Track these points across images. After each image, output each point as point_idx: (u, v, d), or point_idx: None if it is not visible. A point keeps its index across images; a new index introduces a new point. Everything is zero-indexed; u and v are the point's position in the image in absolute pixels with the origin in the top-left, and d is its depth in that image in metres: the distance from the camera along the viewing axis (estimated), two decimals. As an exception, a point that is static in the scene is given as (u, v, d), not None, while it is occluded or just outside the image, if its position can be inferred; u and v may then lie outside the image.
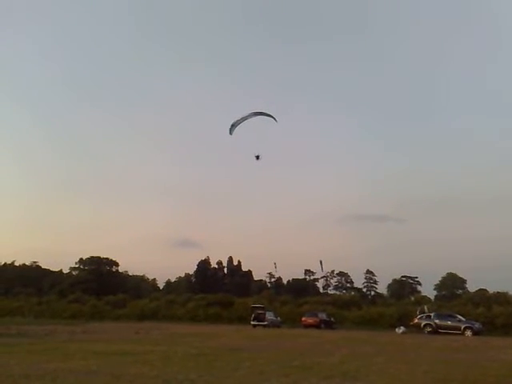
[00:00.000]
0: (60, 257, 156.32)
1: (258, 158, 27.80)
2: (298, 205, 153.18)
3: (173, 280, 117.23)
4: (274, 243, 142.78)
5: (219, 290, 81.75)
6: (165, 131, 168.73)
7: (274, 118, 27.71)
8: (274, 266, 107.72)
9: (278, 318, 53.27)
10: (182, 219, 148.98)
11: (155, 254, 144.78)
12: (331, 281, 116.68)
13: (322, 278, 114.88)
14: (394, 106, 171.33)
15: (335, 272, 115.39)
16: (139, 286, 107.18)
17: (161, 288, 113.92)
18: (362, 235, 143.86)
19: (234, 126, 27.49)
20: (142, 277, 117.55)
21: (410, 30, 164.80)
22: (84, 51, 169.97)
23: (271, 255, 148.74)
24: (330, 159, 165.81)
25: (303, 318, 51.02)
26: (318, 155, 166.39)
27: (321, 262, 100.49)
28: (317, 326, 48.31)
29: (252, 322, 50.07)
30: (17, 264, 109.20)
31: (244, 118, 27.33)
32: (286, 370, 14.71)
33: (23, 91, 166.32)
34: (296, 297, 74.33)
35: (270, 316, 51.39)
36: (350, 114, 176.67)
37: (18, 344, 23.10)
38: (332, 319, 52.74)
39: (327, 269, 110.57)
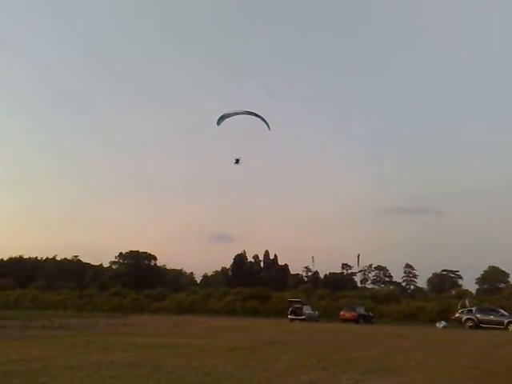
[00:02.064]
0: (100, 251, 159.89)
1: (237, 161, 26.00)
2: (335, 198, 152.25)
3: (210, 274, 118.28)
4: (311, 237, 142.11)
5: (255, 284, 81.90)
6: (198, 126, 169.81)
7: (268, 125, 25.94)
8: (311, 259, 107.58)
9: (316, 312, 53.06)
10: (219, 213, 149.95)
11: (192, 249, 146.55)
12: (369, 275, 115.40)
13: (359, 272, 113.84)
14: (433, 98, 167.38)
15: (373, 266, 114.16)
16: (177, 279, 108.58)
17: (198, 282, 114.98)
18: (400, 228, 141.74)
19: (223, 117, 25.92)
20: (180, 271, 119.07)
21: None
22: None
23: (308, 249, 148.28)
24: (368, 151, 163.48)
25: (341, 313, 50.63)
26: (355, 147, 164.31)
27: (358, 257, 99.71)
28: (355, 321, 47.89)
29: (289, 316, 50.02)
30: (58, 258, 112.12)
31: (236, 113, 25.80)
32: (324, 363, 14.62)
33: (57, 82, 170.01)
34: (333, 291, 73.85)
35: (307, 310, 51.24)
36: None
37: (61, 336, 23.72)
38: (370, 314, 52.18)
39: (365, 263, 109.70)
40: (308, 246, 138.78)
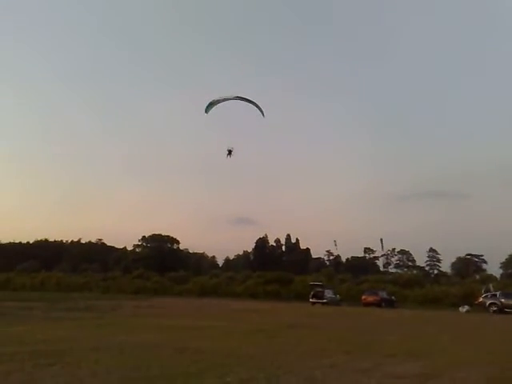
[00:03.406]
0: (123, 234, 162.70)
1: (230, 152, 24.01)
2: (358, 181, 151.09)
3: (231, 257, 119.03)
4: (333, 221, 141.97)
5: (277, 268, 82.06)
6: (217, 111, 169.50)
7: (262, 113, 24.18)
8: (334, 243, 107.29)
9: (338, 296, 53.01)
10: (241, 197, 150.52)
11: (214, 232, 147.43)
12: (392, 259, 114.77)
13: (382, 256, 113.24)
14: (458, 80, 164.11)
15: (396, 250, 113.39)
16: (199, 263, 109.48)
17: (220, 265, 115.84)
18: (424, 212, 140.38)
19: (212, 104, 24.14)
20: (202, 254, 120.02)
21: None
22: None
23: (330, 233, 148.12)
24: (390, 134, 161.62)
25: (363, 297, 50.49)
26: (378, 131, 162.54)
27: (381, 241, 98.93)
28: (377, 305, 47.71)
29: (311, 300, 50.05)
30: (83, 242, 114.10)
31: (225, 99, 24.05)
32: (346, 347, 14.56)
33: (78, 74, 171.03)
34: (355, 275, 73.68)
35: (329, 294, 51.19)
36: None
37: (87, 318, 24.08)
38: (393, 298, 51.93)
39: (388, 247, 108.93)
40: (330, 229, 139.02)
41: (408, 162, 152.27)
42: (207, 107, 24.10)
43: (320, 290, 51.39)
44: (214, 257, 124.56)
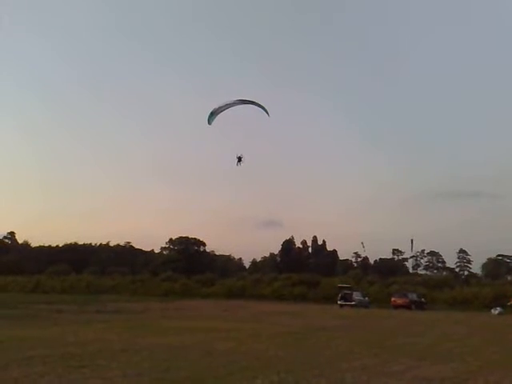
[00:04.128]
0: (151, 237, 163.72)
1: (239, 160, 23.19)
2: (386, 182, 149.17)
3: (258, 259, 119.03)
4: (360, 222, 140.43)
5: (304, 270, 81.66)
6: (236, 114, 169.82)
7: (266, 112, 23.11)
8: (361, 245, 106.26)
9: (366, 298, 52.47)
10: (267, 199, 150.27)
11: (241, 234, 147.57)
12: (421, 260, 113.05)
13: (411, 257, 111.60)
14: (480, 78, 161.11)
15: (425, 251, 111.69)
16: (226, 265, 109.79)
17: (246, 267, 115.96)
18: (454, 212, 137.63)
19: (214, 114, 22.94)
20: (228, 256, 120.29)
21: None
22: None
23: (357, 234, 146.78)
24: (421, 133, 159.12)
25: (392, 299, 49.85)
26: (408, 132, 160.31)
27: (412, 241, 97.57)
28: (407, 307, 47.04)
29: (339, 302, 49.64)
30: (111, 244, 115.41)
31: (228, 106, 22.87)
32: (376, 350, 14.41)
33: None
34: (384, 277, 72.82)
35: (357, 296, 50.70)
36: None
37: (116, 320, 24.36)
38: (423, 300, 51.16)
39: (417, 248, 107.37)
40: (357, 231, 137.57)
41: (439, 161, 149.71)
42: (209, 117, 23.18)
43: (348, 292, 50.95)
44: (240, 259, 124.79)
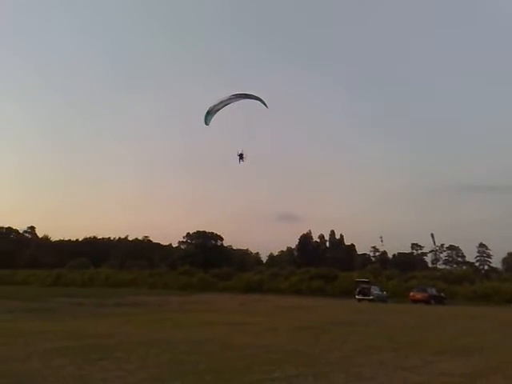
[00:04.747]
0: (169, 231, 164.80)
1: (241, 157, 22.52)
2: (404, 176, 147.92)
3: (275, 254, 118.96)
4: (379, 216, 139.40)
5: (321, 264, 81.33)
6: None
7: (265, 104, 22.18)
8: (380, 239, 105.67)
9: (384, 293, 52.12)
10: (284, 193, 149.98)
11: (258, 229, 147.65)
12: (441, 255, 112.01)
13: (430, 252, 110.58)
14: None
15: (445, 246, 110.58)
16: (243, 259, 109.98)
17: (264, 261, 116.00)
18: (474, 206, 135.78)
19: (210, 113, 22.05)
20: (246, 251, 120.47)
21: None
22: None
23: (375, 229, 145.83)
24: (442, 126, 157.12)
25: (411, 293, 49.45)
26: (429, 124, 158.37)
27: (432, 236, 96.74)
28: (426, 302, 46.65)
29: (357, 297, 49.41)
30: (130, 239, 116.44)
31: (224, 103, 21.87)
32: (395, 344, 14.32)
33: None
34: (402, 271, 72.26)
35: (375, 290, 50.40)
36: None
37: (135, 313, 24.59)
38: (442, 294, 50.67)
39: (437, 242, 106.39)
40: (375, 225, 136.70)
41: (459, 155, 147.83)
42: (206, 117, 22.34)
43: (366, 286, 50.67)
44: (257, 253, 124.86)
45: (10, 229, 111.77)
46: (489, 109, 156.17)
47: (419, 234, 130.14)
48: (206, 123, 22.53)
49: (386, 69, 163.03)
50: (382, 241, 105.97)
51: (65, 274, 76.06)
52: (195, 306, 31.93)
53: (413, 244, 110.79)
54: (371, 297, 48.50)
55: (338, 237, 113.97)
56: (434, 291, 49.92)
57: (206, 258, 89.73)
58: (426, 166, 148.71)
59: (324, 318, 24.28)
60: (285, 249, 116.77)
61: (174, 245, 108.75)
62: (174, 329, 17.21)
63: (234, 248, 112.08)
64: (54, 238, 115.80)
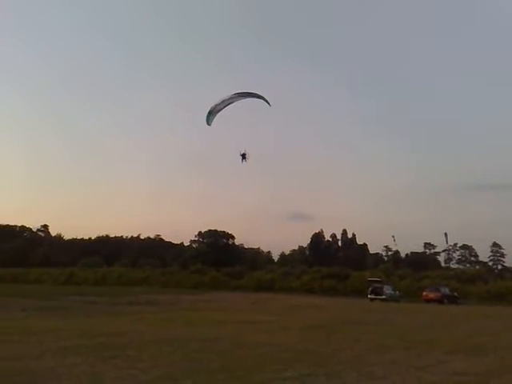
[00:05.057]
0: (181, 230, 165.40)
1: (243, 157, 21.97)
2: (417, 175, 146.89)
3: (287, 253, 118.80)
4: (391, 215, 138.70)
5: (333, 263, 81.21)
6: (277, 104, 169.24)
7: (267, 101, 21.65)
8: (392, 238, 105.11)
9: (397, 292, 51.85)
10: (296, 192, 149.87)
11: (269, 227, 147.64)
12: (454, 254, 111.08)
13: (443, 251, 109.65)
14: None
15: (458, 245, 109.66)
16: (255, 258, 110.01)
17: (275, 260, 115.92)
18: (487, 205, 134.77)
19: (211, 113, 21.54)
20: (257, 249, 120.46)
21: None
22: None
23: (388, 228, 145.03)
24: (456, 126, 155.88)
25: (424, 293, 49.15)
26: (442, 123, 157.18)
27: (445, 235, 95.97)
28: (439, 301, 46.33)
29: (369, 296, 49.19)
30: (142, 237, 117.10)
31: (226, 103, 21.38)
32: (407, 343, 14.23)
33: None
34: (415, 271, 71.82)
35: (387, 290, 50.14)
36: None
37: (147, 312, 24.71)
38: (455, 294, 50.31)
39: (449, 242, 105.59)
40: (388, 225, 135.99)
41: (472, 153, 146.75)
42: (208, 117, 21.84)
43: (379, 285, 50.43)
44: (269, 252, 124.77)
45: (23, 227, 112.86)
46: (502, 107, 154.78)
47: (432, 234, 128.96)
48: (208, 123, 22.15)
49: (388, 67, 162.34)
50: (394, 240, 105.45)
51: (77, 273, 76.65)
52: (207, 305, 32.00)
53: (425, 243, 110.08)
54: (383, 296, 48.28)
55: (350, 236, 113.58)
56: (447, 291, 49.60)
57: (217, 256, 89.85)
58: (440, 165, 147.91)
59: (336, 317, 24.21)
60: (296, 248, 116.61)
61: (186, 243, 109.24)
62: (186, 327, 17.26)
63: (246, 247, 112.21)
64: (67, 236, 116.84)
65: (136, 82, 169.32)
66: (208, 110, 21.76)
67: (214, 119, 22.17)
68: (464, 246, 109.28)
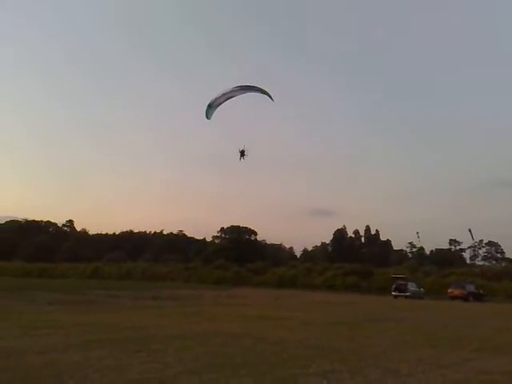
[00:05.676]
0: (203, 226, 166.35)
1: (242, 154, 20.70)
2: (442, 170, 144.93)
3: (309, 249, 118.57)
4: (415, 212, 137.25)
5: (356, 260, 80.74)
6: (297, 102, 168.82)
7: (270, 96, 20.62)
8: (416, 235, 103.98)
9: (421, 289, 51.32)
10: (318, 188, 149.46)
11: (292, 223, 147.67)
12: (479, 251, 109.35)
13: (468, 248, 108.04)
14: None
15: (484, 242, 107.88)
16: (277, 254, 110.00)
17: (297, 256, 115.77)
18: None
19: (211, 106, 20.48)
20: (280, 245, 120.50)
21: None
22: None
23: (412, 224, 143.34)
24: (481, 122, 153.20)
25: (449, 290, 48.56)
26: (470, 118, 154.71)
27: (470, 231, 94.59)
28: (464, 299, 45.72)
29: (393, 293, 48.86)
30: (165, 233, 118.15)
31: (226, 96, 20.35)
32: (431, 341, 14.08)
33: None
34: (440, 268, 70.94)
35: (412, 287, 49.70)
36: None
37: (170, 307, 24.93)
38: (481, 291, 49.56)
39: (475, 238, 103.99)
40: (412, 221, 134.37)
41: (499, 149, 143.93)
42: (207, 111, 20.72)
43: (403, 282, 50.02)
44: (291, 248, 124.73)
45: (49, 222, 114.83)
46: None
47: (457, 230, 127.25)
48: (207, 117, 20.97)
49: (415, 67, 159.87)
50: (418, 236, 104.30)
51: (102, 268, 77.74)
52: (230, 300, 32.12)
53: (451, 240, 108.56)
54: (408, 293, 47.89)
55: (373, 232, 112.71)
56: (472, 288, 48.88)
57: (239, 252, 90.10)
58: (466, 161, 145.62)
59: (359, 314, 24.07)
60: (319, 244, 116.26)
61: (208, 239, 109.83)
62: (209, 322, 17.36)
63: (268, 243, 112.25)
64: (92, 231, 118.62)
65: (158, 75, 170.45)
66: (207, 103, 20.64)
67: (214, 113, 21.06)
68: (490, 243, 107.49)
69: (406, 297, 47.11)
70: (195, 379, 8.07)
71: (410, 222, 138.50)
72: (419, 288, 51.20)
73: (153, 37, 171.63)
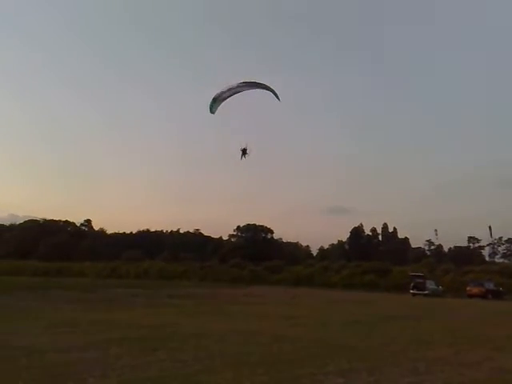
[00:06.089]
0: (219, 225, 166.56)
1: (244, 152, 19.78)
2: (461, 167, 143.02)
3: (326, 247, 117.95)
4: (433, 209, 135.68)
5: (373, 258, 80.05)
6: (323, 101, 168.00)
7: (277, 96, 19.96)
8: (434, 232, 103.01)
9: (440, 287, 50.83)
10: (335, 186, 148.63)
11: (308, 222, 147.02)
12: (499, 248, 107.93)
13: (487, 245, 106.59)
14: None
15: (503, 239, 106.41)
16: (293, 252, 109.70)
17: (314, 255, 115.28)
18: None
19: (216, 100, 19.81)
20: (296, 244, 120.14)
21: None
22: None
23: (430, 222, 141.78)
24: (495, 118, 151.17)
25: (468, 288, 47.98)
26: (485, 114, 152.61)
27: (490, 228, 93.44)
28: (483, 296, 45.14)
29: (411, 291, 48.47)
30: (181, 232, 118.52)
31: (232, 91, 19.69)
32: (450, 339, 13.95)
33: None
34: (459, 266, 70.18)
35: (430, 285, 49.24)
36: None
37: (186, 305, 25.04)
38: (501, 289, 48.92)
39: (494, 235, 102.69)
40: (430, 218, 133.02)
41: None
42: (211, 105, 19.95)
43: (421, 280, 49.59)
44: (308, 246, 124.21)
45: (67, 222, 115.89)
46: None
47: (476, 228, 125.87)
48: (212, 111, 20.12)
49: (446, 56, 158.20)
50: (436, 234, 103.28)
51: (120, 266, 78.32)
52: (246, 299, 32.14)
53: (469, 237, 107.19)
54: (426, 291, 47.46)
55: (391, 230, 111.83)
56: (491, 285, 48.24)
57: (256, 250, 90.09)
58: (485, 158, 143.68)
59: (377, 312, 23.91)
60: (335, 242, 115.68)
61: (225, 238, 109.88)
62: (226, 320, 17.38)
63: (284, 241, 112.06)
64: (110, 230, 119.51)
65: (172, 72, 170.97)
66: (212, 97, 19.78)
67: (219, 107, 20.16)
68: (509, 240, 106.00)
69: (425, 295, 46.69)
70: (213, 377, 8.09)
71: (428, 220, 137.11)
72: (438, 286, 50.74)
73: (168, 36, 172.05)
